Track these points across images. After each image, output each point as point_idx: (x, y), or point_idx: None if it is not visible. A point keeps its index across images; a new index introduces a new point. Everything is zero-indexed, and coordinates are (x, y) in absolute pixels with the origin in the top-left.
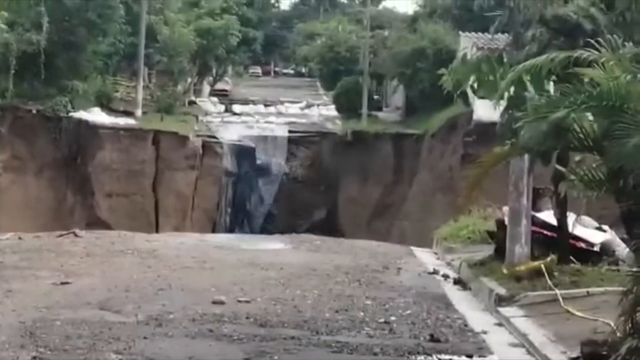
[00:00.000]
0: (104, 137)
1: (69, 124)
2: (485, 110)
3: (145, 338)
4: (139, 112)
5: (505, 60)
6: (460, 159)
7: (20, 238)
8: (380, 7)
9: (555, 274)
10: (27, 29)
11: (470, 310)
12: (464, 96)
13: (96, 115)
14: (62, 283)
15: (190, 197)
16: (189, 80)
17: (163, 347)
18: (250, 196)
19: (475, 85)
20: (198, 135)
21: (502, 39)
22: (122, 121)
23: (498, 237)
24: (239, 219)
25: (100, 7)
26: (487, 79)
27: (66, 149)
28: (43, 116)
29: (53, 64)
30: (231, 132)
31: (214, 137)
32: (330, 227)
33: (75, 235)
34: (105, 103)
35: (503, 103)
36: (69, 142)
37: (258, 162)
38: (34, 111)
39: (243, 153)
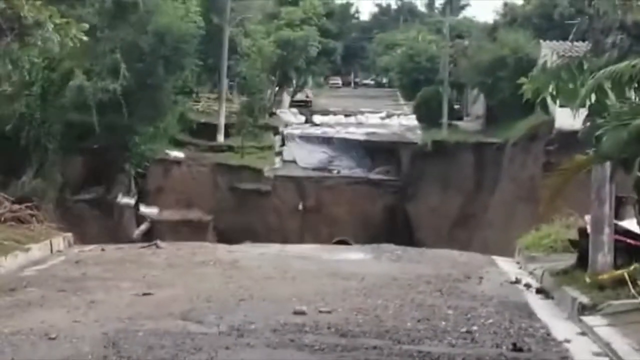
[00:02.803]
0: (162, 228)
1: (122, 213)
2: (567, 119)
3: (227, 348)
4: (220, 138)
5: (585, 67)
6: (541, 168)
7: (102, 250)
8: (460, 16)
9: (639, 282)
10: (103, 77)
11: (553, 319)
12: (545, 104)
13: (152, 209)
14: (145, 294)
15: None
16: (270, 91)
17: (245, 358)
18: None
19: (555, 93)
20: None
21: (582, 47)
22: (203, 143)
23: (580, 245)
24: None
25: (176, 41)
26: (567, 87)
27: (124, 237)
28: (95, 205)
29: (130, 109)
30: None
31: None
32: (411, 237)
33: (157, 246)
34: (187, 125)
35: (584, 111)
36: (125, 231)
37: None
38: (86, 198)
39: None
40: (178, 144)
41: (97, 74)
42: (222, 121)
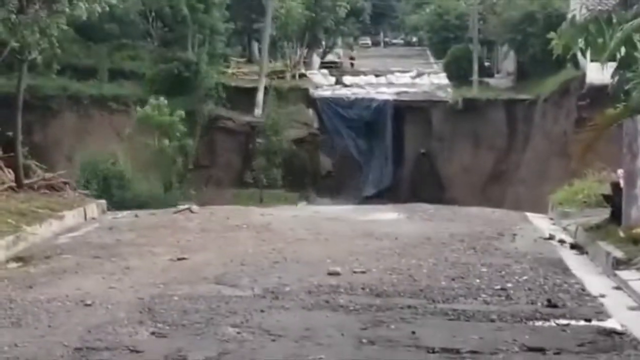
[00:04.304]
0: None
1: None
2: (598, 73)
3: (262, 311)
4: (257, 112)
5: (614, 20)
6: (574, 123)
7: (136, 216)
8: None
9: None
10: None
11: (587, 274)
12: (574, 59)
13: None
14: (179, 259)
15: None
16: (299, 53)
17: (280, 320)
18: None
19: (584, 47)
20: None
21: None
22: (238, 119)
23: (614, 200)
24: None
25: None
26: (596, 41)
27: None
28: None
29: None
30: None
31: None
32: (443, 195)
33: (191, 211)
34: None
35: (614, 64)
36: None
37: None
38: None
39: None
40: (214, 123)
41: None
42: (260, 95)
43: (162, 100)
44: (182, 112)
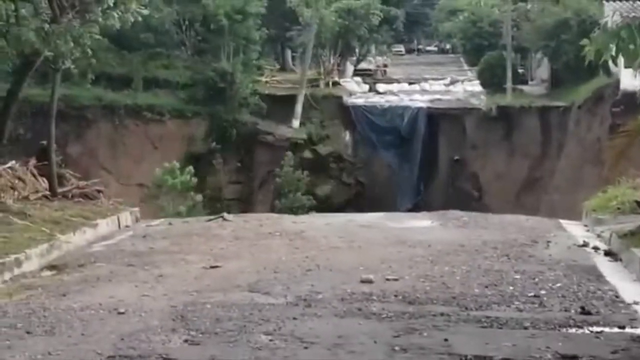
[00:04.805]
0: None
1: None
2: (632, 80)
3: (294, 319)
4: (295, 124)
5: None
6: (608, 130)
7: (170, 224)
8: None
9: None
10: None
11: (621, 281)
12: (605, 66)
13: None
14: (212, 267)
15: None
16: (332, 61)
17: (312, 327)
18: None
19: (616, 54)
20: None
21: None
22: (277, 134)
23: None
24: None
25: None
26: (627, 47)
27: None
28: None
29: None
30: None
31: None
32: (477, 203)
33: (224, 219)
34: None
35: None
36: None
37: None
38: None
39: None
40: (252, 138)
41: None
42: (299, 107)
43: (175, 163)
44: (191, 168)
